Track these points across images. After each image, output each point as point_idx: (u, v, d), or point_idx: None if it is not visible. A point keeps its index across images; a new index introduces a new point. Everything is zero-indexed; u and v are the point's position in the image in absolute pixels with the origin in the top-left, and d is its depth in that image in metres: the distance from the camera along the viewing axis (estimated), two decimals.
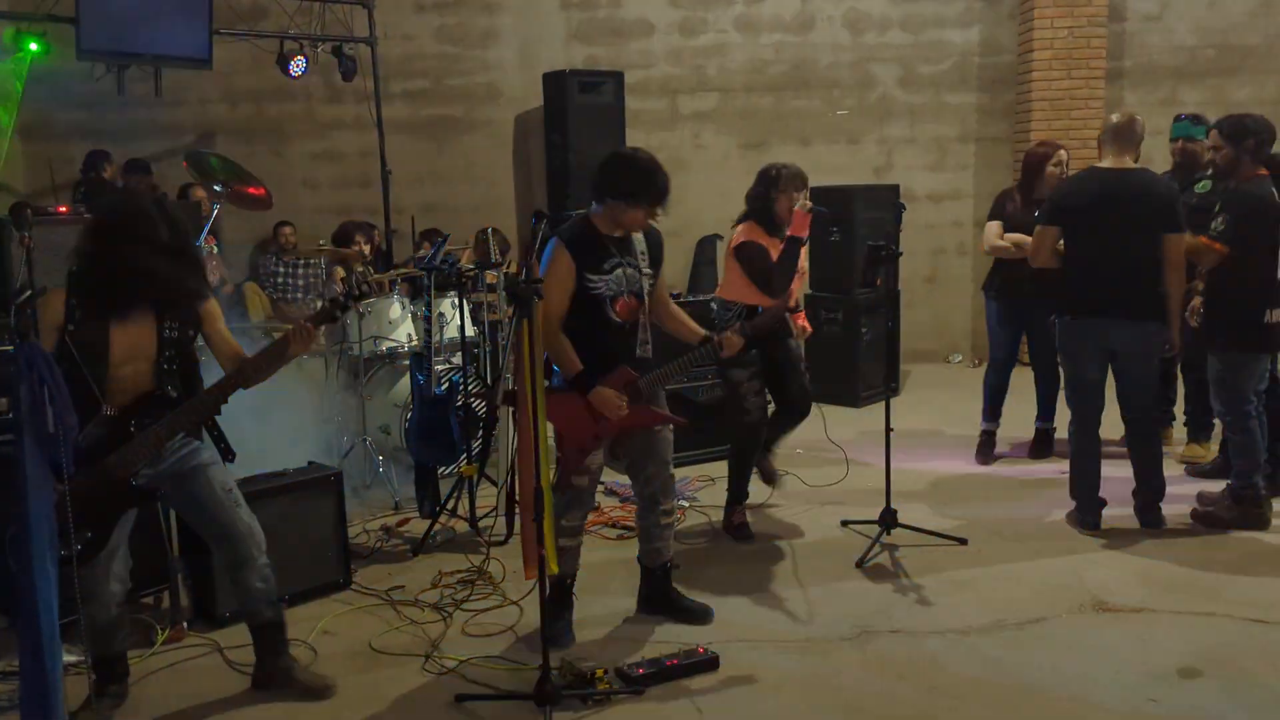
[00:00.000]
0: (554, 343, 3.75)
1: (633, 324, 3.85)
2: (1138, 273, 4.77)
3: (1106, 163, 4.87)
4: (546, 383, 3.81)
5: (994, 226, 6.11)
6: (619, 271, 3.79)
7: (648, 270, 3.89)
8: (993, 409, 6.31)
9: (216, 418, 3.48)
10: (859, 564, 4.62)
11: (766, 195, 4.81)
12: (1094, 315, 4.84)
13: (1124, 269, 4.77)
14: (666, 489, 4.00)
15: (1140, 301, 4.78)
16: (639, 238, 3.90)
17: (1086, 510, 5.00)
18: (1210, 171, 5.47)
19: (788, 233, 4.69)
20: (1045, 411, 6.34)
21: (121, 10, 6.79)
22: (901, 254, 4.95)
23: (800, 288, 4.99)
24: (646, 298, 3.87)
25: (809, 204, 4.71)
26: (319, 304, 3.32)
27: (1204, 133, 5.67)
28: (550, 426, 3.85)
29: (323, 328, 3.76)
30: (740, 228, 4.89)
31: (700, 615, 4.07)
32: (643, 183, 3.74)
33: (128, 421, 3.27)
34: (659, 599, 4.13)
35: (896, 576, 4.52)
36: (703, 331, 4.03)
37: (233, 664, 3.81)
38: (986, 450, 6.32)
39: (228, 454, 3.49)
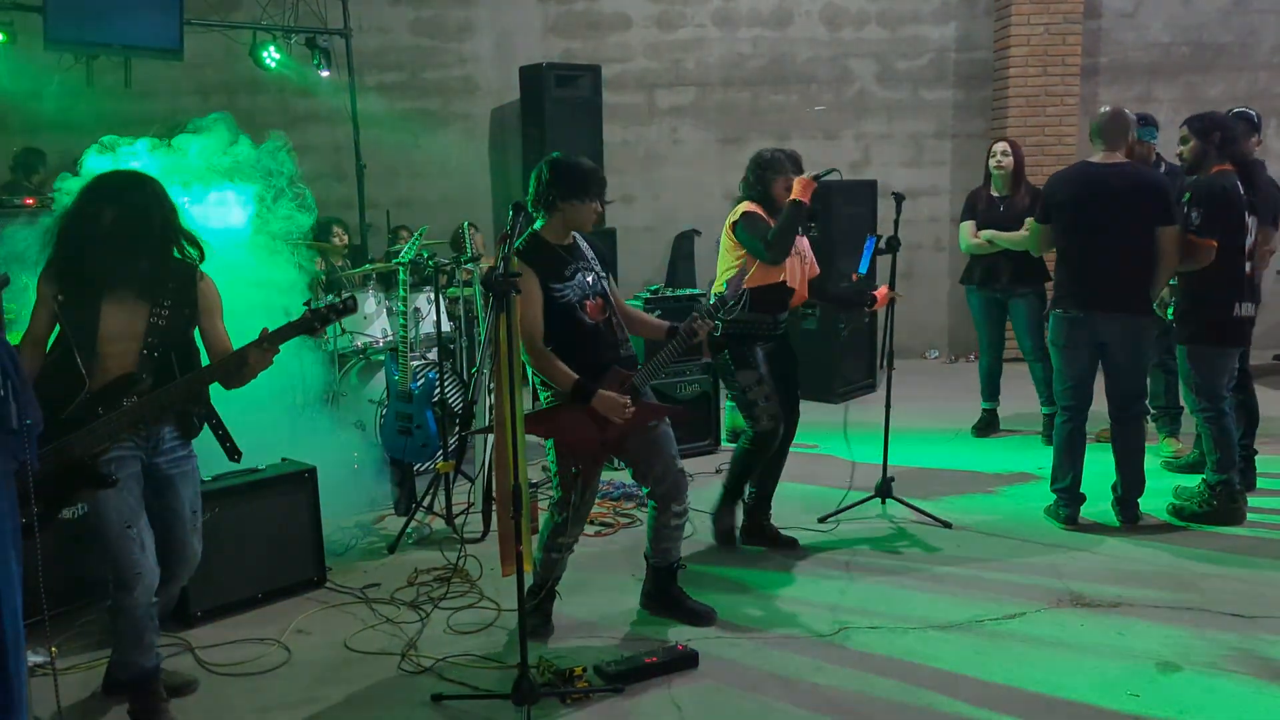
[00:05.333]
0: (542, 360, 3.74)
1: (607, 324, 3.86)
2: (1131, 266, 4.78)
3: (1097, 157, 4.88)
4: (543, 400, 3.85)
5: (967, 226, 6.45)
6: (579, 276, 3.84)
7: (602, 273, 3.94)
8: (990, 390, 6.77)
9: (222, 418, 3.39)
10: (821, 519, 4.94)
11: (762, 179, 4.62)
12: (1088, 309, 4.84)
13: (1117, 263, 4.78)
14: (678, 489, 3.92)
15: (1134, 296, 4.79)
16: (585, 245, 3.95)
17: (1066, 504, 5.01)
18: (1182, 167, 5.51)
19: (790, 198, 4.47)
20: (1050, 397, 6.43)
21: None
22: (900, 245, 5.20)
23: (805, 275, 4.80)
24: (611, 298, 3.92)
25: (815, 172, 4.52)
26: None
27: (1152, 134, 5.85)
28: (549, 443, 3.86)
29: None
30: (740, 206, 4.67)
31: (705, 616, 4.02)
32: (589, 177, 3.83)
33: (98, 403, 3.17)
34: (664, 598, 4.08)
35: (875, 573, 4.51)
36: (665, 325, 4.01)
37: (205, 664, 3.76)
38: (985, 426, 6.77)
39: (233, 453, 3.38)
